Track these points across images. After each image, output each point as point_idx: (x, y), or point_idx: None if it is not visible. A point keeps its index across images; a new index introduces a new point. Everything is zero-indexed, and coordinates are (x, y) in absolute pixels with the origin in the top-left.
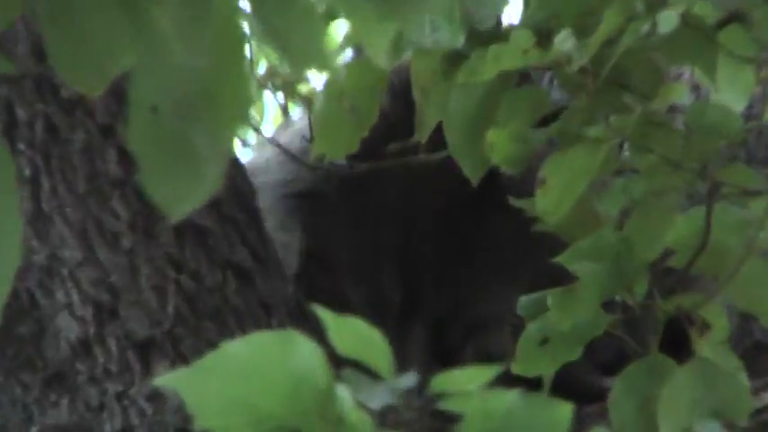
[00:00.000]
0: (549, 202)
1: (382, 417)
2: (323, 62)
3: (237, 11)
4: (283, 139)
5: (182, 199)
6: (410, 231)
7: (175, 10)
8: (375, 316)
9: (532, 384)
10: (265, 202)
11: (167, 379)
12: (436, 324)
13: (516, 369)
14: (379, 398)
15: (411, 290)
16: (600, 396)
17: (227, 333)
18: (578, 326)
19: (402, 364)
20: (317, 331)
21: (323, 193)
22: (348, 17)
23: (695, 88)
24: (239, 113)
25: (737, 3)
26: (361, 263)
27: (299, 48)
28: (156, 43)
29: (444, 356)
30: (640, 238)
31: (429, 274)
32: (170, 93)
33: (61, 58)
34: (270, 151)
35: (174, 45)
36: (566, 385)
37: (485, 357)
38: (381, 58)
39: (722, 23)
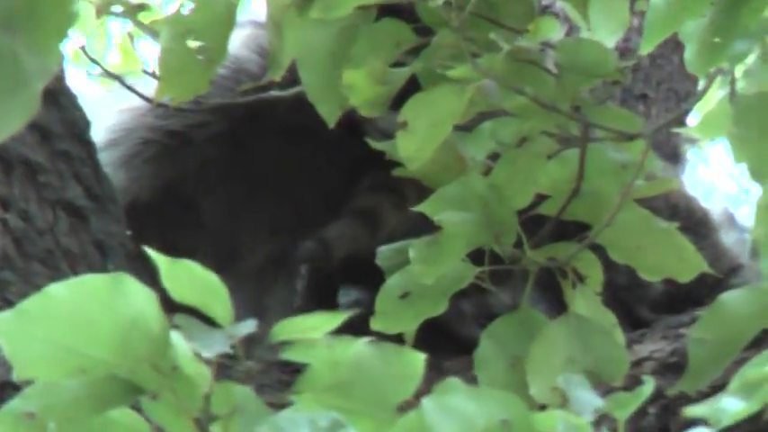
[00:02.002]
0: (411, 147)
1: (224, 368)
2: None
3: None
4: None
5: None
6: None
7: None
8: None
9: None
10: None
11: None
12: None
13: (375, 325)
14: (214, 346)
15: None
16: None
17: (58, 277)
18: (442, 278)
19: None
20: (156, 276)
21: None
22: None
23: (567, 21)
24: (62, 27)
25: None
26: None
27: None
28: None
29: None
30: (509, 185)
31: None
32: None
33: None
34: None
35: None
36: (438, 337)
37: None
38: None
39: None
